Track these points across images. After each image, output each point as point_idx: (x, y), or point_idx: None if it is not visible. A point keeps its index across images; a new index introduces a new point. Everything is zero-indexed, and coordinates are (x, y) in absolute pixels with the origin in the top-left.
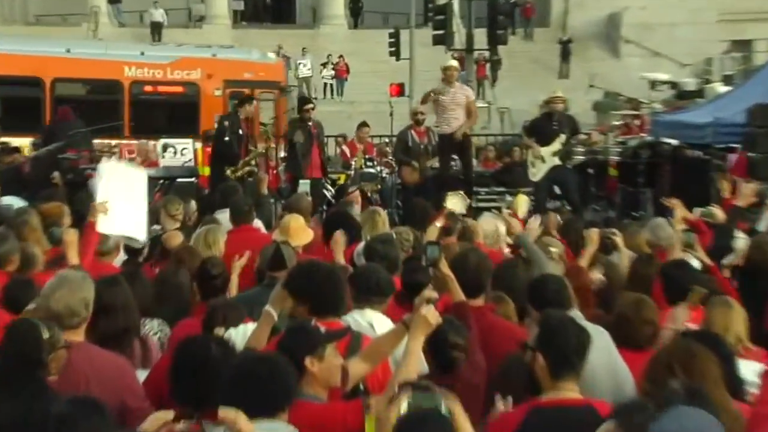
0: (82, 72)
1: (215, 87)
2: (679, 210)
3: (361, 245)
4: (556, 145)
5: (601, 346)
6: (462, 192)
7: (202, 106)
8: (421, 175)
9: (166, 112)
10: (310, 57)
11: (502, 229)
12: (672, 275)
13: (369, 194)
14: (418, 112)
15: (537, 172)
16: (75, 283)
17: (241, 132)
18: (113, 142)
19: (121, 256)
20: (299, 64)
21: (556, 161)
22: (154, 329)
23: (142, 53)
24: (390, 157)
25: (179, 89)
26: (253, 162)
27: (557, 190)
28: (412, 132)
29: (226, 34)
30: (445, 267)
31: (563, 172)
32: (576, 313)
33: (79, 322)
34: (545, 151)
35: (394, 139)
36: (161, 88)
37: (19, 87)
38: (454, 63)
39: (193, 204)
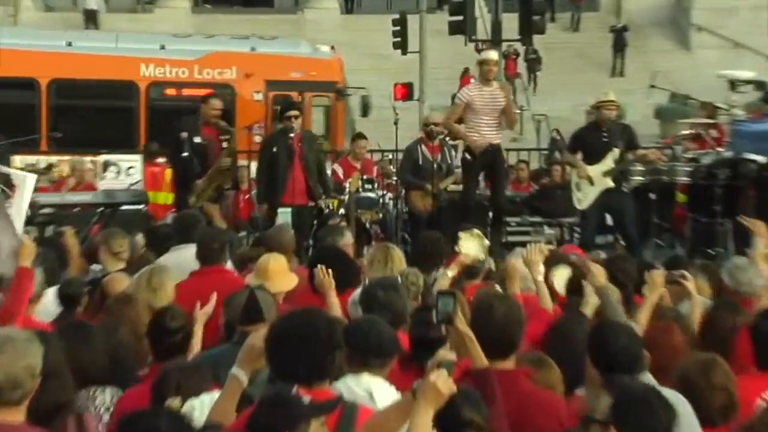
0: (87, 71)
1: (255, 89)
2: (765, 238)
3: (357, 291)
4: (608, 163)
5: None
6: (478, 230)
7: (238, 114)
8: (434, 201)
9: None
10: None
11: (540, 267)
12: (766, 332)
13: (367, 225)
14: (430, 123)
15: (584, 198)
16: (19, 347)
17: (199, 140)
18: (130, 163)
19: (50, 306)
20: None
21: (609, 183)
22: (105, 403)
23: (163, 47)
24: (394, 179)
25: (209, 92)
26: (214, 185)
27: (609, 220)
28: (423, 147)
29: (184, 20)
30: (461, 323)
31: (617, 197)
32: (648, 378)
33: (21, 396)
34: (594, 170)
35: (400, 155)
36: (186, 91)
37: (7, 91)
38: (494, 55)
39: (141, 238)
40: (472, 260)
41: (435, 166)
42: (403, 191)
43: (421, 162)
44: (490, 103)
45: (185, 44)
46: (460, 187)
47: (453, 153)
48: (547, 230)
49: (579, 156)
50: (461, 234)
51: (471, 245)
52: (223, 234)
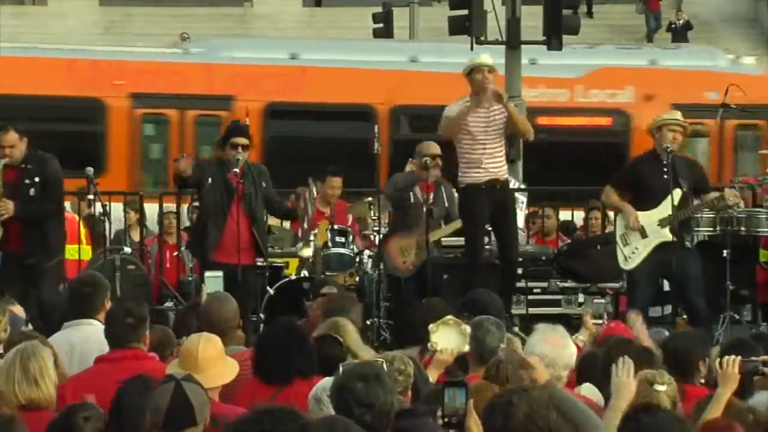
0: (436, 95)
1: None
2: None
3: (323, 383)
4: (667, 208)
5: None
6: (454, 318)
7: (633, 149)
8: (418, 256)
9: (573, 161)
10: None
11: (572, 350)
12: None
13: None
14: (425, 156)
15: (632, 255)
16: None
17: None
18: None
19: None
20: None
21: (666, 236)
22: None
23: (533, 62)
24: (375, 230)
25: (601, 121)
26: None
27: (666, 285)
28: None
29: (88, 15)
30: (476, 426)
31: (678, 255)
32: None
33: None
34: (647, 217)
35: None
36: (565, 120)
37: (336, 123)
38: (488, 60)
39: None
40: (452, 355)
41: (424, 210)
42: (381, 243)
43: (410, 201)
44: (489, 124)
45: (559, 57)
46: (456, 240)
47: (453, 194)
48: (582, 298)
49: (628, 197)
50: (431, 327)
51: (447, 336)
52: (141, 306)
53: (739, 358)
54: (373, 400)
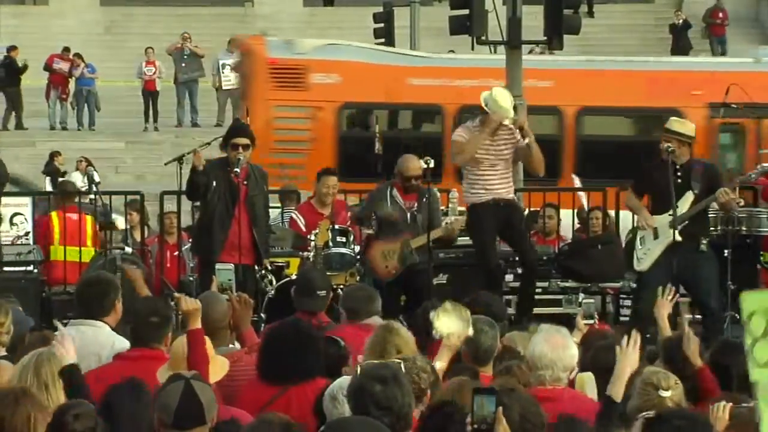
0: None
1: None
2: None
3: (341, 381)
4: (679, 211)
5: None
6: (452, 303)
7: None
8: (401, 263)
9: None
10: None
11: (573, 351)
12: None
13: (340, 291)
14: (411, 177)
15: (644, 257)
16: None
17: None
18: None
19: None
20: (221, 66)
21: (675, 237)
22: None
23: None
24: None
25: None
26: None
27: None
28: (395, 190)
29: (89, 15)
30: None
31: (690, 256)
32: None
33: None
34: (661, 220)
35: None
36: None
37: None
38: (507, 100)
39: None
40: (459, 339)
41: (409, 216)
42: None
43: (384, 211)
44: (495, 148)
45: None
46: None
47: (437, 200)
48: (585, 299)
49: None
50: (432, 315)
51: (448, 322)
52: (167, 306)
53: (730, 404)
54: (392, 403)
